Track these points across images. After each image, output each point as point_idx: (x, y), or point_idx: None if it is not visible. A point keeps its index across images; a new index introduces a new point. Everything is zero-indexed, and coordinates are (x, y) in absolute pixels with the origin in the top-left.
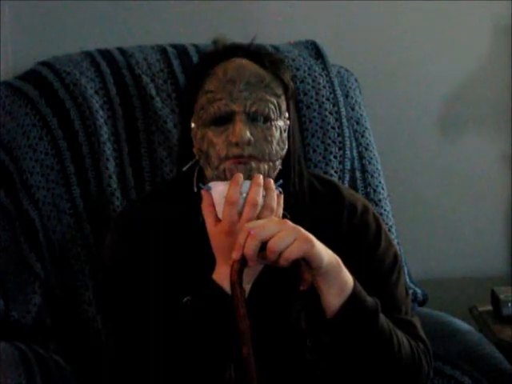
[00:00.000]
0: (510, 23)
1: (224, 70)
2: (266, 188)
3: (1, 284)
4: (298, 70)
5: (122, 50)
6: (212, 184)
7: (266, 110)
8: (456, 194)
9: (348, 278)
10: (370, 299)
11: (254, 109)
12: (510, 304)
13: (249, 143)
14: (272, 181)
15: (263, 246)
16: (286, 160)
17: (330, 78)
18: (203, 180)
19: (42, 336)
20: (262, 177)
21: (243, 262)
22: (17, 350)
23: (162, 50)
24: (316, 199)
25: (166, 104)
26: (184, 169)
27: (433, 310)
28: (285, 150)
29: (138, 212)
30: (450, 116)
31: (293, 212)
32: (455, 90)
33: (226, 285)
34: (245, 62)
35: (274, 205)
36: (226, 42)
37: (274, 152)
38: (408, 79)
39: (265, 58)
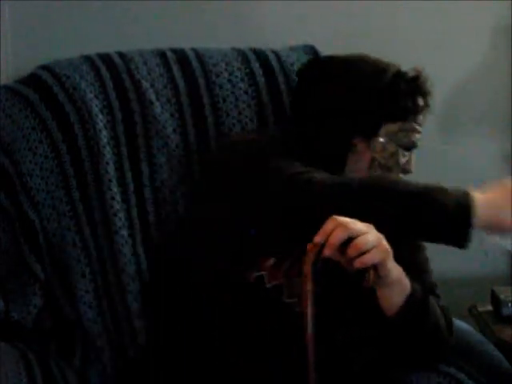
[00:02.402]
0: (510, 23)
1: (422, 107)
2: None
3: (1, 285)
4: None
5: (121, 55)
6: None
7: None
8: None
9: (407, 280)
10: (417, 288)
11: None
12: (510, 304)
13: None
14: None
15: (344, 243)
16: None
17: None
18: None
19: (42, 337)
20: None
21: (319, 252)
22: (17, 351)
23: (162, 55)
24: None
25: (165, 109)
26: None
27: None
28: None
29: None
30: (449, 116)
31: None
32: (455, 90)
33: None
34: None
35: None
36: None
37: None
38: None
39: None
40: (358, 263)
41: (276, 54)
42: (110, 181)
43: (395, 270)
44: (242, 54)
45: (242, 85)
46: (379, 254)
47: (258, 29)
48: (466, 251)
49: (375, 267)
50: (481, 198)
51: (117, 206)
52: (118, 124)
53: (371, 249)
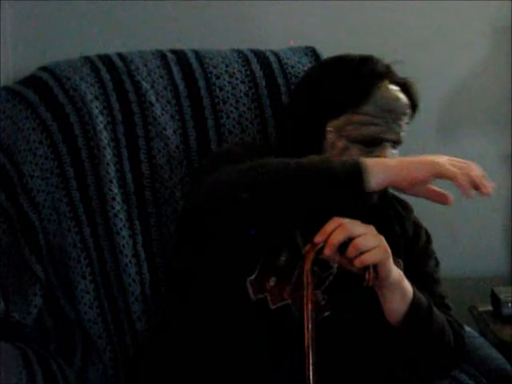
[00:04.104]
0: (510, 23)
1: (383, 98)
2: None
3: (1, 285)
4: (296, 77)
5: (121, 56)
6: None
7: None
8: (456, 194)
9: (408, 284)
10: (423, 299)
11: (400, 140)
12: (510, 304)
13: None
14: None
15: (344, 243)
16: None
17: None
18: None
19: (42, 337)
20: None
21: (319, 250)
22: (18, 350)
23: (162, 56)
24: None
25: (165, 110)
26: None
27: None
28: None
29: None
30: (449, 116)
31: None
32: (455, 90)
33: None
34: (399, 93)
35: None
36: (383, 63)
37: None
38: None
39: (411, 89)
40: (357, 262)
41: (276, 55)
42: (110, 182)
43: (395, 272)
44: (242, 56)
45: (242, 86)
46: (379, 254)
47: (258, 30)
48: (466, 251)
49: (375, 267)
50: (378, 161)
51: (117, 207)
52: (118, 125)
53: (371, 249)
